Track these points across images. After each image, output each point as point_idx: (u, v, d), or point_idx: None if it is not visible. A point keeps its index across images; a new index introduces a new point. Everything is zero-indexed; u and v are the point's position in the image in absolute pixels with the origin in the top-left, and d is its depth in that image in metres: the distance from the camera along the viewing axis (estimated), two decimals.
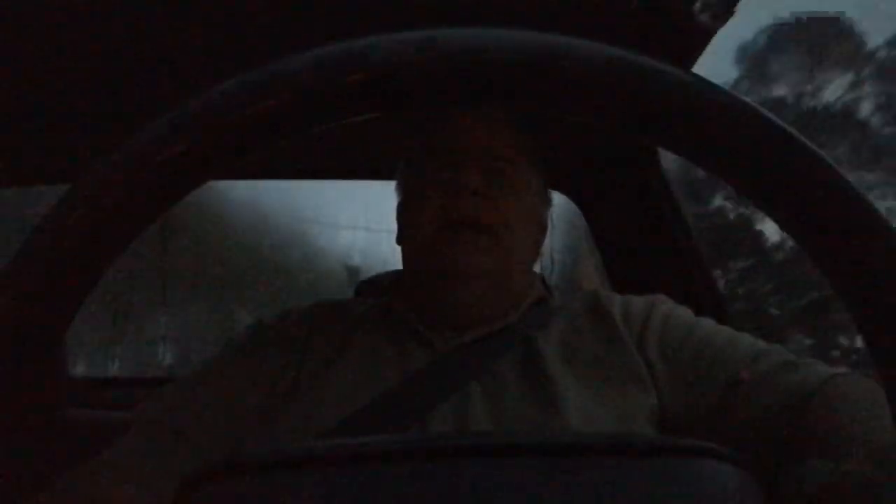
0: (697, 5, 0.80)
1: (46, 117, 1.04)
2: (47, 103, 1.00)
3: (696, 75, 0.26)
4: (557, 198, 1.34)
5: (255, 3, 0.81)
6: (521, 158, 0.78)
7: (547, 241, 0.86)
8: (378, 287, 1.05)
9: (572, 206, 1.35)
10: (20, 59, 0.89)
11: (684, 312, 0.77)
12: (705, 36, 0.86)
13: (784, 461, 0.56)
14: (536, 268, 0.85)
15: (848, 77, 8.43)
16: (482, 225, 0.72)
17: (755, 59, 8.78)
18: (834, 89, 8.45)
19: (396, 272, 0.84)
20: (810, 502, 0.39)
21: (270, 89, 0.25)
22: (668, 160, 1.22)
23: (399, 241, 0.82)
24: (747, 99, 0.25)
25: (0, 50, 0.86)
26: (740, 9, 0.80)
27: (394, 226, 0.83)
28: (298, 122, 0.25)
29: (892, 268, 0.24)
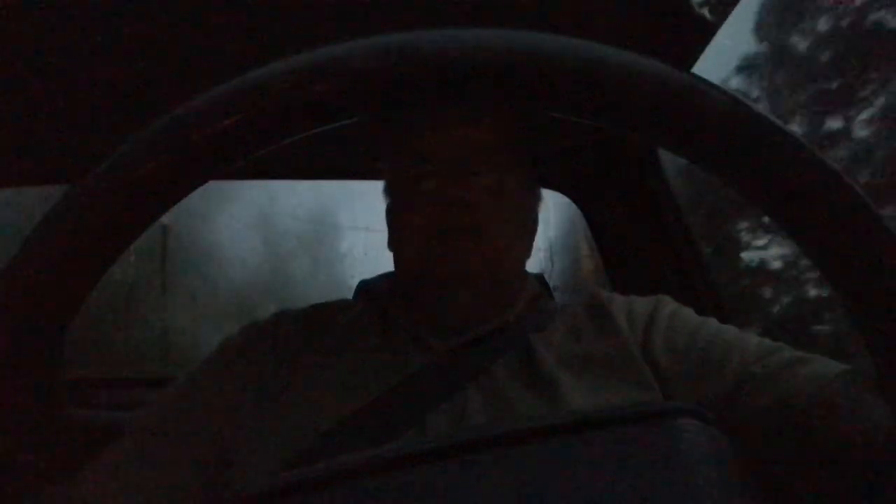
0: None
1: (46, 117, 1.04)
2: (47, 103, 1.00)
3: (695, 75, 0.26)
4: (558, 198, 1.35)
5: (256, 5, 0.81)
6: (509, 160, 0.77)
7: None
8: (374, 290, 1.04)
9: (572, 206, 1.35)
10: (20, 60, 0.89)
11: (689, 312, 0.76)
12: (705, 35, 0.86)
13: (792, 458, 0.56)
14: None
15: None
16: (473, 231, 0.72)
17: None
18: None
19: (392, 274, 0.83)
20: None
21: (275, 88, 0.25)
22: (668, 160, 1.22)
23: (390, 245, 0.81)
24: (745, 100, 0.25)
25: (0, 50, 0.86)
26: None
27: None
28: (302, 123, 0.25)
29: (891, 266, 0.24)
